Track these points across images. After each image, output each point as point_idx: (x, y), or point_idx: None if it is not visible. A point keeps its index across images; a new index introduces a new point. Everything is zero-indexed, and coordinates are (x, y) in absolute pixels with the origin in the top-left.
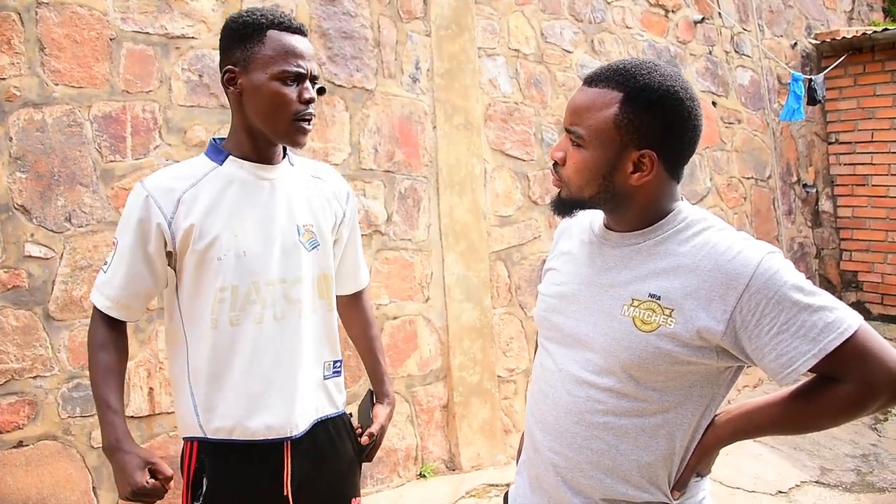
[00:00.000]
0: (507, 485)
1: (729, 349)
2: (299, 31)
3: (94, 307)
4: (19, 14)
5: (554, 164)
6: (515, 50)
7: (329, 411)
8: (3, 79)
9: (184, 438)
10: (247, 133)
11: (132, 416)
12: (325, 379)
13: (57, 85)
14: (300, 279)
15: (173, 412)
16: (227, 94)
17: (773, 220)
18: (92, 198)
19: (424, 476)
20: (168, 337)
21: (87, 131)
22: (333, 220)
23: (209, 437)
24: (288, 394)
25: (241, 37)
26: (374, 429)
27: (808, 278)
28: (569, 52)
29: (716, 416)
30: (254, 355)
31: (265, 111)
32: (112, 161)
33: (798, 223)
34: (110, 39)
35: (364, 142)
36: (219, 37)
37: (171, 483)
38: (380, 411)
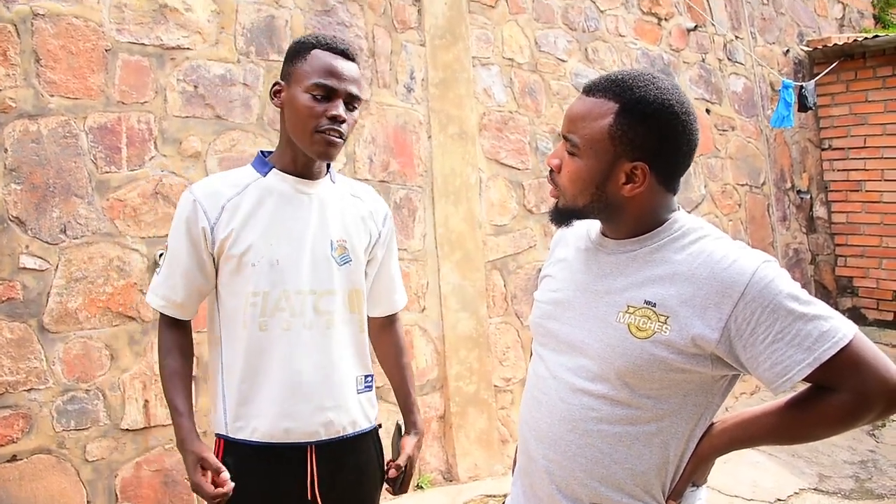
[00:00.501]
0: (505, 495)
1: (723, 357)
2: (343, 53)
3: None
4: (15, 26)
5: (550, 172)
6: (510, 59)
7: (363, 425)
8: None
9: (215, 434)
10: (288, 146)
11: (127, 430)
12: (357, 393)
13: (52, 96)
14: (331, 292)
15: (169, 424)
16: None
17: (768, 227)
18: (87, 209)
19: (422, 487)
20: (208, 336)
21: (82, 142)
22: (368, 238)
23: (234, 437)
24: (313, 400)
25: (292, 55)
26: (401, 460)
27: (803, 285)
28: (563, 60)
29: (712, 424)
30: (281, 361)
31: (296, 122)
32: (107, 172)
33: (793, 229)
34: (106, 50)
35: (359, 152)
36: (215, 48)
37: (226, 476)
38: (408, 442)
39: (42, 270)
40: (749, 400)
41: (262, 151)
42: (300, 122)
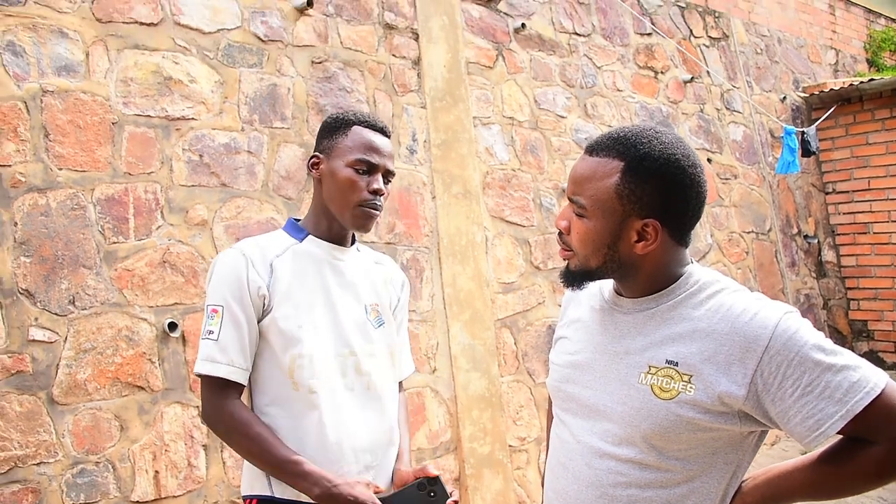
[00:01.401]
0: None
1: (752, 414)
2: (382, 130)
3: (208, 382)
4: (25, 103)
5: (560, 234)
6: (510, 117)
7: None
8: (9, 165)
9: (244, 497)
10: (324, 215)
11: (137, 502)
12: (392, 451)
13: (61, 169)
14: (372, 353)
15: (180, 496)
16: (311, 179)
17: (777, 273)
18: (95, 280)
19: None
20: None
21: (90, 214)
22: (395, 302)
23: (280, 496)
24: (360, 460)
25: (331, 129)
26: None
27: (817, 329)
28: (563, 117)
29: (742, 482)
30: (326, 422)
31: (337, 194)
32: (115, 242)
33: (802, 275)
34: (112, 123)
35: None
36: (219, 117)
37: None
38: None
39: (51, 342)
40: (770, 451)
41: (292, 219)
42: (342, 194)
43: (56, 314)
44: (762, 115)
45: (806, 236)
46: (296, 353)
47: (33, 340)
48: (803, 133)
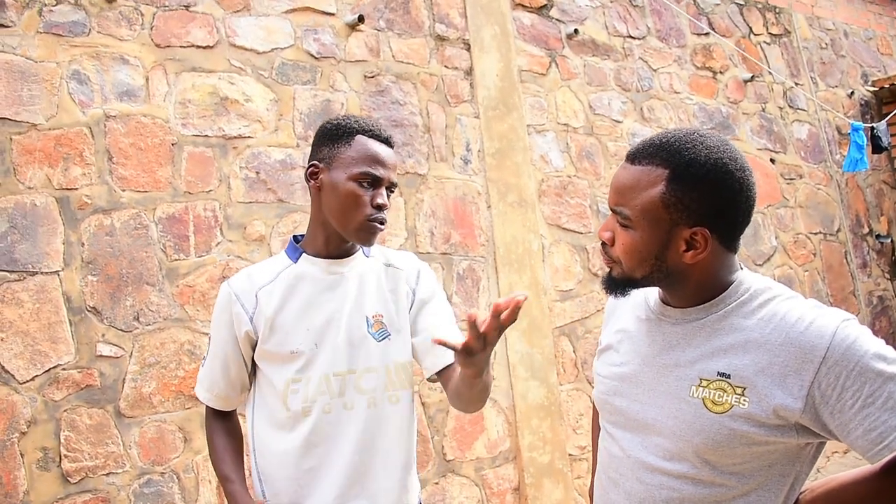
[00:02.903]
0: None
1: (810, 426)
2: (386, 141)
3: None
4: (90, 128)
5: (603, 244)
6: (564, 124)
7: None
8: (76, 188)
9: None
10: (322, 227)
11: None
12: (400, 473)
13: (124, 191)
14: (370, 369)
15: None
16: (308, 188)
17: (848, 275)
18: (158, 296)
19: None
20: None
21: (152, 233)
22: (408, 304)
23: None
24: (359, 484)
25: (331, 137)
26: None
27: (890, 333)
28: (618, 121)
29: (800, 494)
30: (323, 444)
31: (339, 209)
32: (176, 260)
33: (875, 276)
34: (172, 144)
35: (420, 226)
36: (274, 134)
37: None
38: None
39: (118, 357)
40: (843, 459)
41: (294, 236)
42: (346, 209)
43: (122, 330)
44: (828, 112)
45: (878, 236)
46: (290, 377)
47: (101, 356)
48: (873, 129)
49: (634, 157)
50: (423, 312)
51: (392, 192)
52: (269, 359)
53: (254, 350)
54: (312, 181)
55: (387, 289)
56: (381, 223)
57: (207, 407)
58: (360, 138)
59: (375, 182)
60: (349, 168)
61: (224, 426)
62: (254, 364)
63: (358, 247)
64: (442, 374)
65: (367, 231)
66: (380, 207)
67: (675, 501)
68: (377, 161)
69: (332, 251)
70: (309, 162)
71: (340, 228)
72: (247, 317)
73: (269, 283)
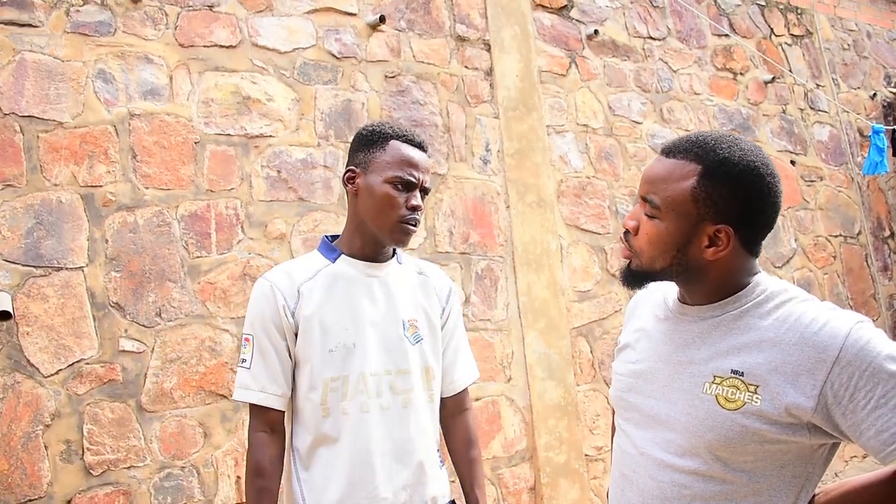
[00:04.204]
0: None
1: (822, 426)
2: (420, 146)
3: (249, 407)
4: (114, 126)
5: (625, 233)
6: (584, 125)
7: (442, 502)
8: (100, 186)
9: None
10: (358, 230)
11: None
12: (438, 469)
13: (147, 188)
14: (407, 371)
15: None
16: (346, 192)
17: (868, 278)
18: (180, 293)
19: None
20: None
21: (174, 230)
22: (440, 319)
23: None
24: (396, 480)
25: (367, 143)
26: None
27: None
28: (638, 122)
29: (815, 496)
30: (361, 443)
31: (375, 211)
32: (198, 257)
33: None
34: (195, 143)
35: (439, 225)
36: (295, 134)
37: None
38: None
39: (139, 353)
40: (861, 464)
41: (326, 237)
42: (381, 211)
43: (144, 326)
44: (850, 114)
45: None
46: (328, 377)
47: (123, 351)
48: (893, 132)
49: (669, 150)
50: (452, 336)
51: (426, 194)
52: (307, 357)
53: (294, 348)
54: (350, 185)
55: (421, 296)
56: (415, 224)
57: (259, 417)
58: (394, 143)
59: (409, 185)
60: (384, 172)
61: (278, 453)
62: None
63: (392, 253)
64: (442, 406)
65: (401, 231)
66: (414, 209)
67: (686, 498)
68: (411, 165)
69: (369, 254)
70: (346, 167)
71: (376, 229)
72: (290, 310)
73: (310, 280)
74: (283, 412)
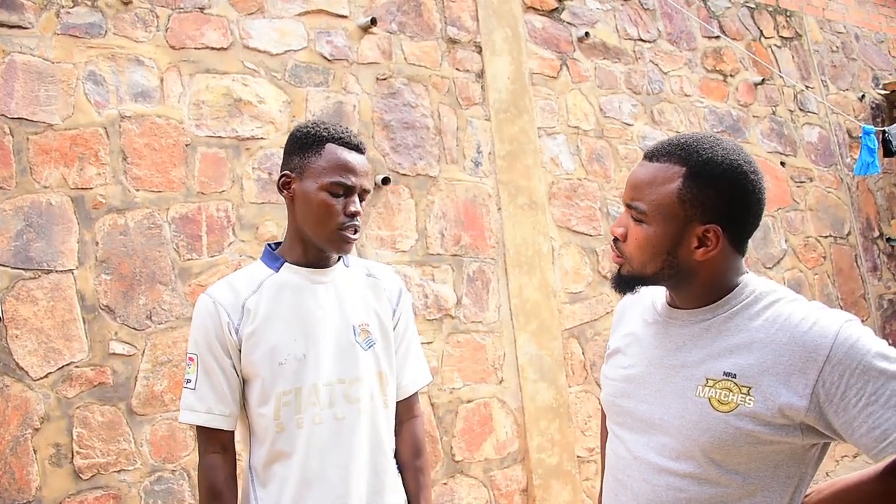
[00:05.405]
0: None
1: (814, 425)
2: (357, 148)
3: (196, 429)
4: (105, 128)
5: (614, 240)
6: (575, 127)
7: None
8: (91, 188)
9: None
10: (298, 237)
11: None
12: (394, 476)
13: (138, 191)
14: (359, 378)
15: None
16: (282, 198)
17: (858, 279)
18: (171, 295)
19: None
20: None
21: (165, 232)
22: (391, 321)
23: None
24: (345, 491)
25: (301, 146)
26: None
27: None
28: (629, 124)
29: (806, 496)
30: (315, 455)
31: (313, 219)
32: (189, 259)
33: (885, 279)
34: (186, 145)
35: (430, 227)
36: (285, 135)
37: None
38: None
39: (130, 355)
40: (852, 463)
41: (269, 244)
42: (319, 219)
43: (134, 329)
44: (839, 115)
45: (889, 239)
46: (280, 391)
47: (113, 354)
48: (884, 132)
49: (652, 155)
50: (403, 338)
51: (364, 199)
52: (255, 372)
53: (240, 363)
54: (285, 191)
55: (371, 298)
56: (355, 231)
57: (207, 439)
58: (330, 146)
59: (347, 191)
60: (320, 178)
61: (231, 474)
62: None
63: (339, 257)
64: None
65: (341, 240)
66: (353, 215)
67: (681, 502)
68: (348, 169)
69: (312, 260)
70: (281, 172)
71: (315, 238)
72: (234, 327)
73: (255, 294)
74: (233, 431)
